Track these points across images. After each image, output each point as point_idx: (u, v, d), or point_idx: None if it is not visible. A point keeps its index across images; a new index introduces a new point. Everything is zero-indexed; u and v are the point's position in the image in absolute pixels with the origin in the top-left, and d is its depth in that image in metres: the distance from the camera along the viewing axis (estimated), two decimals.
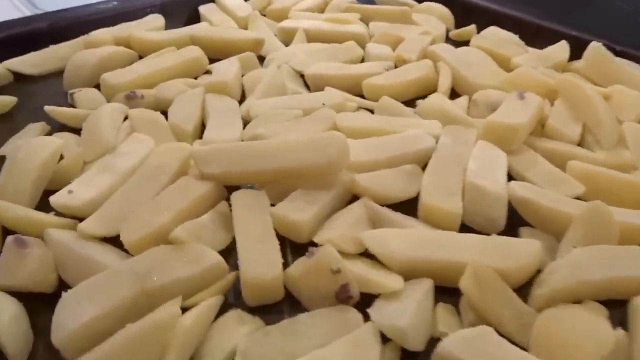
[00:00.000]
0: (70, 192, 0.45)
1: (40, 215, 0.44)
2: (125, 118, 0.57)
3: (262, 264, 0.39)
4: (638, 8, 0.85)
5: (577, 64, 0.67)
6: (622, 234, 0.42)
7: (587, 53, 0.65)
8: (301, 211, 0.43)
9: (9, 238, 0.40)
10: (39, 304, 0.39)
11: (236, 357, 0.34)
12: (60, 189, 0.46)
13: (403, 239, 0.41)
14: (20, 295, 0.39)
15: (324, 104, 0.58)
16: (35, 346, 0.37)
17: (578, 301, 0.39)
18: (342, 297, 0.38)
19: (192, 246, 0.40)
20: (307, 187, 0.46)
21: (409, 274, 0.40)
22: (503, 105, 0.55)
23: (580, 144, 0.55)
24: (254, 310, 0.39)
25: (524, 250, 0.40)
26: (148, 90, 0.62)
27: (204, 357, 0.35)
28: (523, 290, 0.40)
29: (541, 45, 0.73)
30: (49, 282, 0.40)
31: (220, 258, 0.40)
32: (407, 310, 0.35)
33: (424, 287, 0.38)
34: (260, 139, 0.51)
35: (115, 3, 0.81)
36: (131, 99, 0.60)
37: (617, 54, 0.69)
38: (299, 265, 0.39)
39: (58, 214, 0.45)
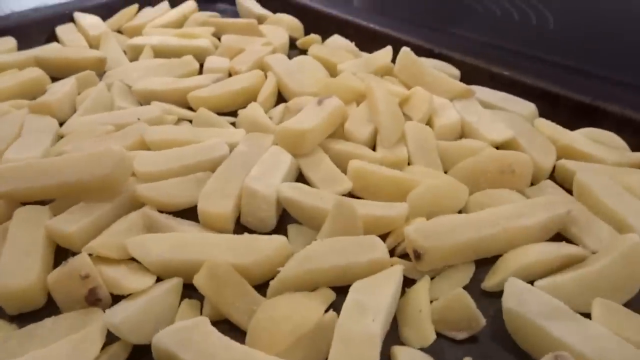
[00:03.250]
0: None
1: None
2: None
3: (16, 273, 0.42)
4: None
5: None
6: (367, 224, 0.46)
7: (398, 57, 0.69)
8: (72, 223, 0.46)
9: None
10: None
11: None
12: None
13: (162, 242, 0.45)
14: None
15: (139, 119, 0.61)
16: None
17: (315, 289, 0.43)
18: (91, 299, 0.41)
19: None
20: (90, 201, 0.49)
21: (166, 274, 0.43)
22: (302, 111, 0.59)
23: (375, 143, 0.59)
24: (16, 319, 0.42)
25: (266, 245, 0.44)
26: None
27: None
28: None
29: (375, 51, 0.78)
30: None
31: None
32: (130, 307, 0.39)
33: (167, 285, 0.42)
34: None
35: None
36: None
37: (435, 56, 0.74)
38: (55, 273, 0.42)
39: None
